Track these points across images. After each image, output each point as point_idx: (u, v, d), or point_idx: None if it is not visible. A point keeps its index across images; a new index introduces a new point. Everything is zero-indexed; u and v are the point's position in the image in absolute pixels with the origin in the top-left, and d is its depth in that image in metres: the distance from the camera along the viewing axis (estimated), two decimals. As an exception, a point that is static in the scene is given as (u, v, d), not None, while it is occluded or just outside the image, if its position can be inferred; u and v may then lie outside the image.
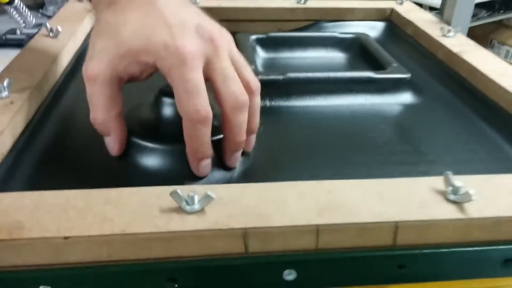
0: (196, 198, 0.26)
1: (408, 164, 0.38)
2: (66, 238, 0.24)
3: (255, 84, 0.34)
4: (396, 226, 0.26)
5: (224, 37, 0.33)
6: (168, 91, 0.36)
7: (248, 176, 0.36)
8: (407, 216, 0.27)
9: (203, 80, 0.31)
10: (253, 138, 0.37)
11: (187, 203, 0.26)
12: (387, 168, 0.37)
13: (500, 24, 2.38)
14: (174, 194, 0.26)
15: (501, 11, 2.14)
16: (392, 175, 0.36)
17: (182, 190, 0.26)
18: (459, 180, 0.28)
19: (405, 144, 0.41)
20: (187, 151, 0.32)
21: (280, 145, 0.40)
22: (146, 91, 0.38)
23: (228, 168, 0.35)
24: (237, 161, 0.35)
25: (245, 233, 0.25)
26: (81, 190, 0.27)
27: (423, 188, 0.29)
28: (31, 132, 0.38)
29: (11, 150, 0.34)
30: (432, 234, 0.27)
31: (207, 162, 0.33)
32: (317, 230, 0.26)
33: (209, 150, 0.32)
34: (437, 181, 0.30)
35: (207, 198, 0.26)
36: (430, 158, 0.39)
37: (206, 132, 0.31)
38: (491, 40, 2.38)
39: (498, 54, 2.36)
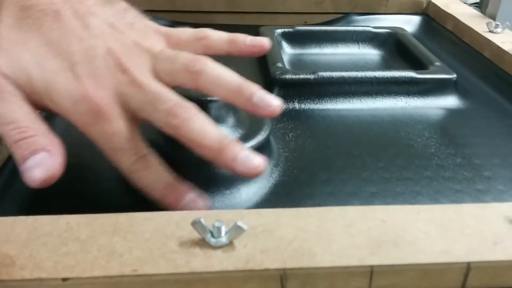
0: (223, 229, 0.21)
1: (463, 180, 0.33)
2: (64, 280, 0.19)
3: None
4: (467, 268, 0.21)
5: (137, 54, 0.27)
6: (186, 93, 0.32)
7: (278, 190, 0.31)
8: (481, 255, 0.22)
9: (128, 125, 0.25)
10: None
11: (212, 235, 0.21)
12: (438, 185, 0.32)
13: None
14: (197, 224, 0.21)
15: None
16: (445, 194, 0.32)
17: (207, 217, 0.21)
18: (543, 211, 0.23)
19: (455, 155, 0.36)
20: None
21: (312, 154, 0.36)
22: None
23: (255, 180, 0.31)
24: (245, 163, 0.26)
25: (283, 275, 0.20)
26: (85, 216, 0.23)
27: (495, 217, 0.24)
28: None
29: (7, 160, 0.30)
30: (511, 276, 0.22)
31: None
32: (371, 271, 0.21)
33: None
34: (510, 208, 0.24)
35: (236, 230, 0.21)
36: (486, 173, 0.34)
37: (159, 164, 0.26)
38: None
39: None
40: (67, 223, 0.22)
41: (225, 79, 0.26)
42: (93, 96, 0.24)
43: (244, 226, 0.21)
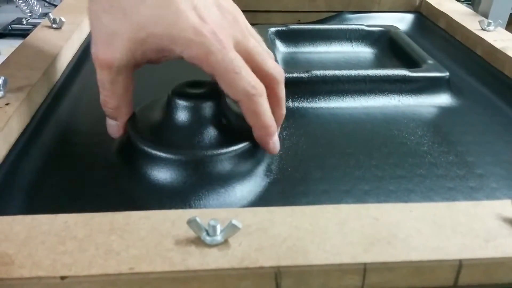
0: (219, 228, 0.21)
1: (455, 178, 0.34)
2: (63, 278, 0.19)
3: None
4: (459, 265, 0.22)
5: (243, 16, 0.32)
6: (182, 92, 0.32)
7: (272, 188, 0.31)
8: (473, 252, 0.22)
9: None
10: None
11: (208, 234, 0.21)
12: (431, 183, 0.33)
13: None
14: (192, 223, 0.21)
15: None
16: (438, 192, 0.32)
17: (202, 216, 0.22)
18: (533, 208, 0.23)
19: (448, 153, 0.37)
20: (256, 133, 0.31)
21: (305, 152, 0.36)
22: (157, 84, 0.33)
23: (249, 179, 0.31)
24: (278, 144, 0.32)
25: (277, 273, 0.21)
26: (82, 215, 0.23)
27: (487, 215, 0.24)
28: (28, 138, 0.33)
29: (4, 160, 0.30)
30: (503, 273, 0.22)
31: (277, 137, 0.32)
32: (365, 269, 0.21)
33: (275, 122, 0.31)
34: (502, 206, 0.25)
35: (231, 228, 0.21)
36: (479, 171, 0.34)
37: (267, 105, 0.30)
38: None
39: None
40: (65, 222, 0.22)
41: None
42: (214, 30, 0.28)
43: (239, 225, 0.21)
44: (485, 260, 0.22)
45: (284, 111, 0.33)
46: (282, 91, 0.32)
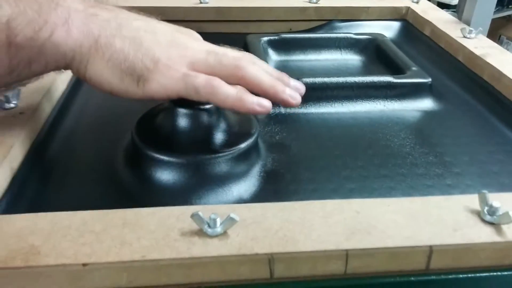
0: (219, 221, 0.24)
1: (434, 176, 0.37)
2: (84, 265, 0.22)
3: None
4: (430, 251, 0.25)
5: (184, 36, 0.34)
6: (182, 102, 0.35)
7: (266, 187, 0.34)
8: (442, 239, 0.25)
9: None
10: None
11: (209, 226, 0.24)
12: (412, 181, 0.36)
13: (508, 19, 2.35)
14: (195, 216, 0.24)
15: (510, 6, 2.12)
16: (418, 189, 0.35)
17: (204, 211, 0.25)
18: (496, 201, 0.26)
19: (428, 154, 0.40)
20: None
21: (296, 155, 0.39)
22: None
23: (245, 179, 0.34)
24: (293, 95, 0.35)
25: (270, 259, 0.24)
26: (97, 211, 0.26)
27: (457, 208, 0.27)
28: (41, 144, 0.36)
29: (21, 165, 0.33)
30: (468, 258, 0.25)
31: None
32: (347, 255, 0.24)
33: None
34: (471, 200, 0.28)
35: (230, 221, 0.24)
36: (456, 170, 0.38)
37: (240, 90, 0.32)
38: (500, 36, 2.35)
39: (507, 49, 2.32)
40: (83, 218, 0.25)
41: (261, 79, 0.33)
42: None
43: (237, 218, 0.24)
44: (453, 246, 0.25)
45: (267, 81, 0.33)
46: (250, 72, 0.33)
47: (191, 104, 0.35)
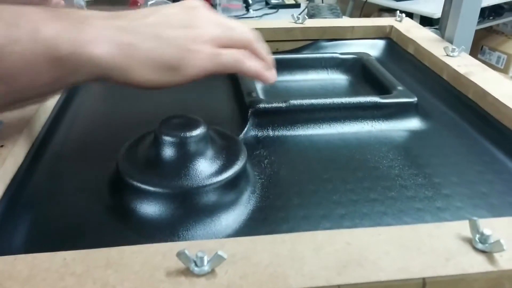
0: (206, 259, 0.24)
1: (424, 199, 0.36)
2: (64, 312, 0.21)
3: None
4: (423, 283, 0.24)
5: (195, 11, 0.38)
6: (167, 127, 0.34)
7: (255, 216, 0.34)
8: (435, 270, 0.24)
9: None
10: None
11: (196, 265, 0.24)
12: (402, 204, 0.35)
13: (490, 30, 2.40)
14: (181, 255, 0.23)
15: (491, 18, 2.16)
16: (408, 213, 0.35)
17: (190, 248, 0.24)
18: (487, 228, 0.26)
19: (417, 175, 0.39)
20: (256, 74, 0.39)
21: (286, 179, 0.38)
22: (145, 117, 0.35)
23: (234, 208, 0.34)
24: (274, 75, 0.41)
25: (260, 297, 0.23)
26: (79, 251, 0.25)
27: (448, 235, 0.27)
28: (22, 177, 0.35)
29: (1, 200, 0.32)
30: (462, 288, 0.25)
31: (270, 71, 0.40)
32: (339, 290, 0.23)
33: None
34: (462, 226, 0.28)
35: (217, 259, 0.23)
36: (445, 191, 0.37)
37: (253, 62, 0.39)
38: (482, 46, 2.40)
39: (490, 60, 2.37)
40: (64, 259, 0.24)
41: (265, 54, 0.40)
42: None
43: (224, 255, 0.23)
44: (446, 277, 0.24)
45: (268, 58, 0.40)
46: (258, 47, 0.39)
47: (177, 130, 0.34)
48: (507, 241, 0.25)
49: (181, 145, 0.33)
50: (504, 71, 2.25)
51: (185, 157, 0.33)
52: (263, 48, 0.40)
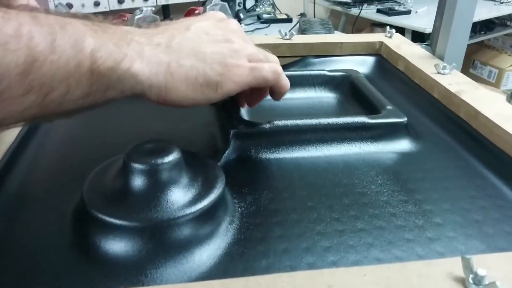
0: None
1: (414, 228, 0.34)
2: None
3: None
4: (412, 331, 0.22)
5: (236, 37, 0.38)
6: (137, 153, 0.32)
7: (232, 250, 0.31)
8: (424, 317, 0.22)
9: None
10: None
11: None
12: (390, 235, 0.33)
13: (481, 45, 2.41)
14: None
15: (482, 32, 2.18)
16: (397, 244, 0.32)
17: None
18: (481, 267, 0.24)
19: (407, 202, 0.37)
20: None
21: (267, 207, 0.36)
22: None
23: (209, 241, 0.31)
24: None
25: None
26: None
27: (439, 275, 0.25)
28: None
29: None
30: (455, 337, 0.22)
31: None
32: None
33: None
34: (453, 264, 0.25)
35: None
36: (437, 220, 0.35)
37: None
38: (474, 61, 2.41)
39: (481, 74, 2.38)
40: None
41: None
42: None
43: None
44: (437, 325, 0.22)
45: (286, 85, 0.42)
46: (282, 82, 0.41)
47: (146, 157, 0.32)
48: (503, 282, 0.23)
49: (151, 173, 0.31)
50: (495, 85, 2.26)
51: (156, 186, 0.31)
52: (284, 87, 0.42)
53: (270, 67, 0.38)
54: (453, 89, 0.50)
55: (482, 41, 2.37)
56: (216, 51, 0.35)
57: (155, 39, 0.33)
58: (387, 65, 0.65)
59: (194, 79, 0.33)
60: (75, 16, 0.30)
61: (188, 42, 0.34)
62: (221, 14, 0.40)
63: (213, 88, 0.34)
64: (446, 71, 0.55)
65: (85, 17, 0.31)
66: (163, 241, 0.29)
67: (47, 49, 0.26)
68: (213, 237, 0.31)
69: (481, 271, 0.24)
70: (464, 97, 0.48)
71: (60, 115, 0.30)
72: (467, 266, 0.24)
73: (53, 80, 0.27)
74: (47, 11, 0.28)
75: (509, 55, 2.32)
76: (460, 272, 0.25)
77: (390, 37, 0.69)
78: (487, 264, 0.24)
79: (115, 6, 1.54)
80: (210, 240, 0.31)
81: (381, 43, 0.68)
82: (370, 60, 0.67)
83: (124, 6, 1.55)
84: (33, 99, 0.26)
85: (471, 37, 2.07)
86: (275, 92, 0.41)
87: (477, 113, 0.45)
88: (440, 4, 0.62)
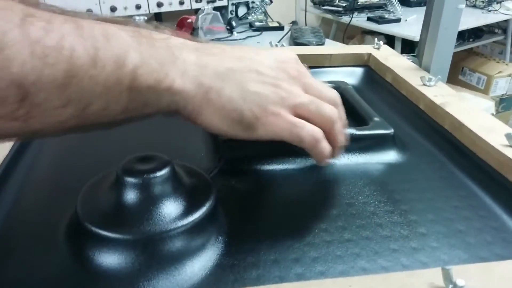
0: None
1: (399, 238, 0.35)
2: None
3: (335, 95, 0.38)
4: None
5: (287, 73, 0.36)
6: (130, 167, 0.33)
7: (223, 261, 0.32)
8: (406, 326, 0.23)
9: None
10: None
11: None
12: (376, 245, 0.34)
13: (470, 52, 2.45)
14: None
15: (471, 40, 2.21)
16: (383, 254, 0.33)
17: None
18: (460, 278, 0.25)
19: (393, 212, 0.38)
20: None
21: (257, 219, 0.37)
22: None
23: (200, 253, 0.32)
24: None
25: None
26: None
27: (420, 286, 0.26)
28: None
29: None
30: None
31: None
32: None
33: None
34: (434, 274, 0.27)
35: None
36: (421, 230, 0.36)
37: (325, 144, 0.37)
38: (463, 68, 2.44)
39: (470, 81, 2.41)
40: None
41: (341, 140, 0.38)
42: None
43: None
44: (417, 334, 0.23)
45: (341, 143, 0.38)
46: (337, 129, 0.37)
47: (139, 171, 0.33)
48: (482, 292, 0.24)
49: (144, 187, 0.32)
50: (484, 91, 2.29)
51: (148, 200, 0.32)
52: (341, 131, 0.38)
53: (311, 130, 0.34)
54: (438, 101, 0.52)
55: (471, 48, 2.41)
56: (260, 92, 0.33)
57: (204, 59, 0.32)
58: (375, 76, 0.67)
59: (228, 113, 0.32)
60: (125, 22, 0.29)
61: (235, 74, 0.33)
62: (288, 55, 0.37)
63: (244, 128, 0.33)
64: (432, 83, 0.56)
65: (135, 25, 0.30)
66: (155, 254, 0.30)
67: (88, 64, 0.26)
68: (204, 249, 0.32)
69: (460, 282, 0.25)
70: (448, 109, 0.50)
71: (100, 126, 0.30)
72: (447, 277, 0.25)
73: (91, 95, 0.26)
74: (94, 16, 0.28)
75: (497, 62, 2.35)
76: (440, 282, 0.26)
77: (378, 48, 0.71)
78: (467, 274, 0.25)
79: (108, 14, 1.55)
80: (202, 252, 0.32)
81: (369, 54, 0.69)
82: (358, 71, 0.69)
83: (117, 13, 1.56)
84: (71, 111, 0.26)
85: (460, 44, 2.11)
86: (312, 157, 0.38)
87: (461, 125, 0.47)
88: (426, 16, 0.64)
